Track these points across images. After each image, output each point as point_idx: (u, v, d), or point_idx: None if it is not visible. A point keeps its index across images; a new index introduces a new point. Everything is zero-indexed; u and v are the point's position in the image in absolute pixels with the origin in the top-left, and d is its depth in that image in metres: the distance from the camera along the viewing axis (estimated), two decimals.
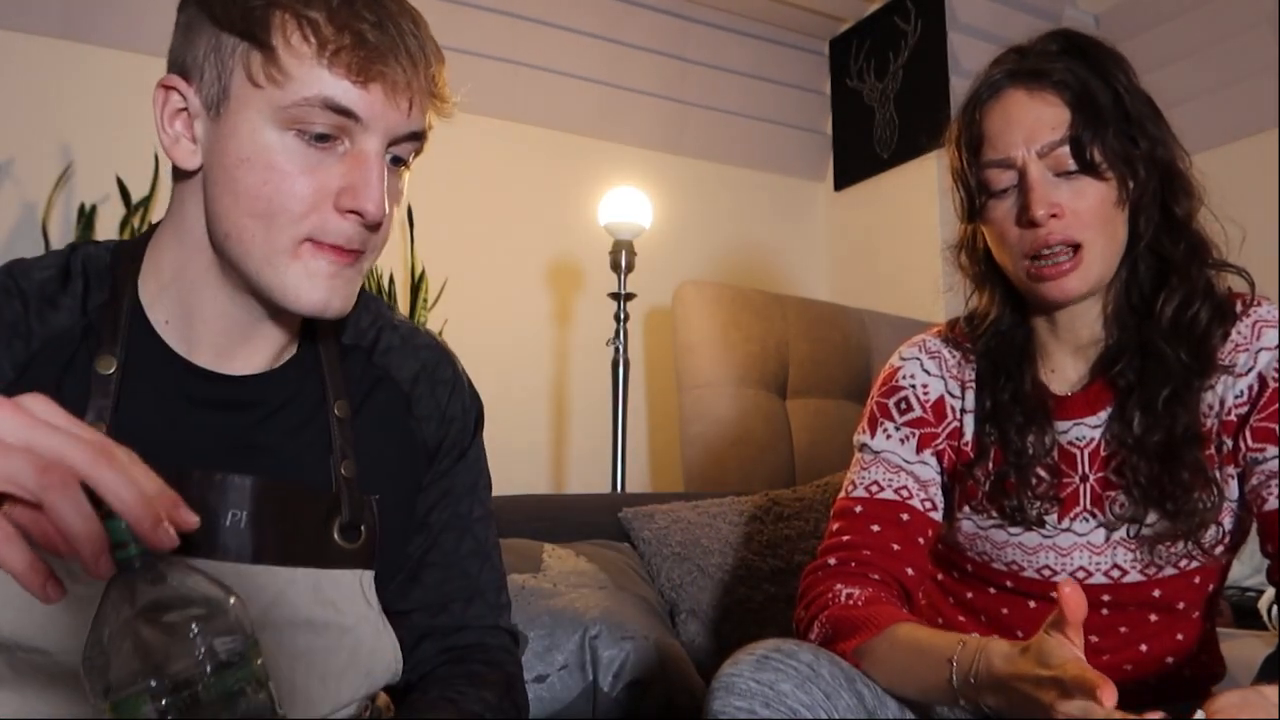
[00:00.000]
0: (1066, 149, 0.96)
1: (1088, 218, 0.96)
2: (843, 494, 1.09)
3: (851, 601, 0.97)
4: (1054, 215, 0.96)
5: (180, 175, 0.78)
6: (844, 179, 3.30)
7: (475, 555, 0.93)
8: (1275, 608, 1.79)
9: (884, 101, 3.13)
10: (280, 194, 0.73)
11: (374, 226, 0.76)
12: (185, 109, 0.75)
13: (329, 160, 0.74)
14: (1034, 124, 0.97)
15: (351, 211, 0.74)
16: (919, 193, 3.00)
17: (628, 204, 2.43)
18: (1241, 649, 1.35)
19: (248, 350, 0.82)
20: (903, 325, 2.66)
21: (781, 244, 3.30)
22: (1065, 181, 0.97)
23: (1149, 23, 2.90)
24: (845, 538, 1.04)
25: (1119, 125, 0.97)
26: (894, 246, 3.09)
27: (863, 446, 1.10)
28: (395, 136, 0.76)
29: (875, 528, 1.03)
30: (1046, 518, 1.01)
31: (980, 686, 0.81)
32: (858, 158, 3.23)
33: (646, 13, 3.03)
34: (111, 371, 0.76)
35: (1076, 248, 0.97)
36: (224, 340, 0.80)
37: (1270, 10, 2.57)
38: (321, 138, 0.73)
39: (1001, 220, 1.00)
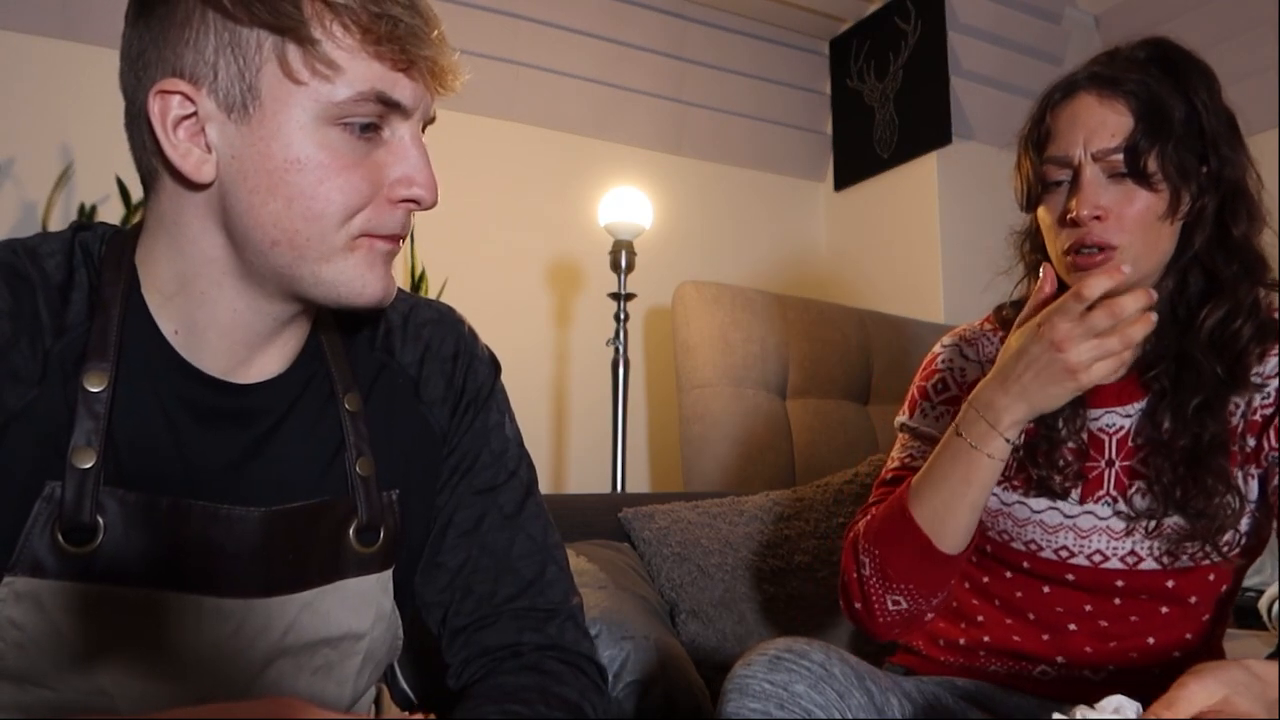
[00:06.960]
0: (1121, 156, 0.98)
1: (1129, 224, 0.98)
2: (883, 472, 1.15)
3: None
4: (1097, 217, 0.98)
5: (172, 188, 0.71)
6: (844, 179, 3.30)
7: (503, 529, 0.86)
8: (1275, 607, 1.79)
9: (884, 101, 3.13)
10: (338, 193, 0.69)
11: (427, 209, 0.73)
12: (192, 115, 0.68)
13: (376, 150, 0.71)
14: (1097, 127, 0.99)
15: (407, 200, 0.72)
16: (919, 193, 3.00)
17: (628, 204, 2.43)
18: (1242, 649, 1.35)
19: (265, 358, 0.77)
20: (903, 325, 2.66)
21: (781, 244, 3.30)
22: (1116, 184, 0.99)
23: (1149, 23, 2.90)
24: (879, 506, 1.08)
25: (1188, 140, 0.98)
26: (894, 246, 3.08)
27: (902, 426, 1.17)
28: (426, 118, 0.74)
29: None
30: (1070, 491, 1.04)
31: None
32: (858, 158, 3.23)
33: (646, 13, 3.02)
34: (102, 389, 0.69)
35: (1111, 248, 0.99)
36: (243, 350, 0.75)
37: (1270, 10, 2.57)
38: (367, 128, 0.70)
39: (1051, 213, 1.04)
